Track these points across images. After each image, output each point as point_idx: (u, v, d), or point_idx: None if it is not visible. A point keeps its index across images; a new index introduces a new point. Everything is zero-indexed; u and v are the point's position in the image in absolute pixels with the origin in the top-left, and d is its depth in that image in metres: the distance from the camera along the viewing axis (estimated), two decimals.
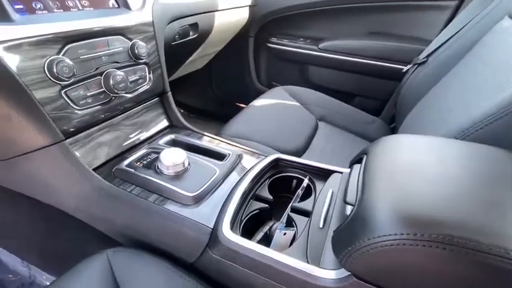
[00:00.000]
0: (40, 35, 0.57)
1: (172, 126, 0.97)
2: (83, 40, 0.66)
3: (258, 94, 1.36)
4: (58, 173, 0.66)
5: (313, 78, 1.68)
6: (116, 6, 0.76)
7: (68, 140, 0.68)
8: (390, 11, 1.42)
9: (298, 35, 1.65)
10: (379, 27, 1.49)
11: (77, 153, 0.70)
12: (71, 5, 0.66)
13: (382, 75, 1.45)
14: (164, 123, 0.96)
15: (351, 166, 0.60)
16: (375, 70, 1.46)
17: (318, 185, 0.70)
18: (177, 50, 1.16)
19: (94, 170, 0.72)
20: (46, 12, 0.61)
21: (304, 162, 0.74)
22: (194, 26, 1.17)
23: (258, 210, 0.65)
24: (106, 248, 0.59)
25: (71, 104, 0.66)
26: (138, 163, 0.74)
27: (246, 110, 1.21)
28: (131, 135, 0.85)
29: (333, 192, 0.64)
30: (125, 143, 0.82)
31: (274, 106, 1.24)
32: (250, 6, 1.56)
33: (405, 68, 1.18)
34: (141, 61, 0.81)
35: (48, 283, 0.94)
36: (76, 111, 0.66)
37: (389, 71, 1.40)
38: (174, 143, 0.87)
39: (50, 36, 0.59)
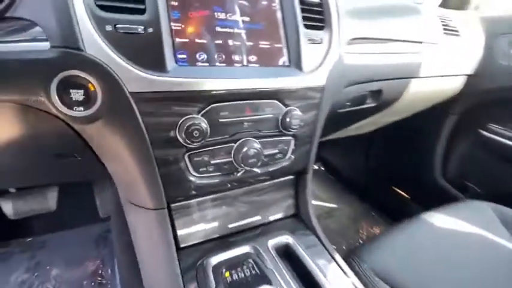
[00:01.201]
0: (186, 91, 0.48)
1: (297, 218, 0.71)
2: (231, 101, 0.53)
3: (435, 192, 0.87)
4: (145, 238, 0.56)
5: None
6: (287, 64, 0.60)
7: (172, 206, 0.56)
8: None
9: None
10: None
11: (176, 223, 0.58)
12: (237, 59, 0.55)
13: None
14: (289, 210, 0.72)
15: None
16: None
17: None
18: (341, 117, 0.91)
19: (182, 249, 0.57)
20: (207, 65, 0.52)
21: None
22: (376, 93, 0.88)
23: None
24: None
25: (190, 170, 0.54)
26: (228, 273, 0.52)
27: (411, 229, 0.77)
28: (243, 216, 0.66)
29: None
30: (233, 225, 0.64)
31: (471, 239, 0.72)
32: (468, 75, 1.08)
33: None
34: (288, 133, 0.61)
35: None
36: (192, 179, 0.54)
37: None
38: (285, 255, 0.60)
39: (197, 93, 0.49)
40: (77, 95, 0.43)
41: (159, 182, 0.51)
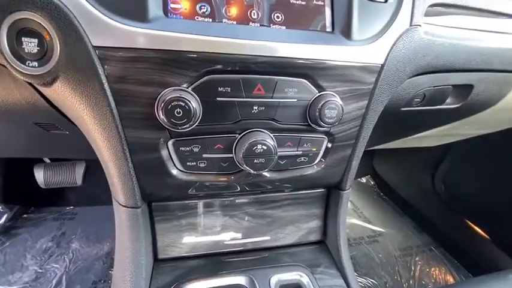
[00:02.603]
0: (171, 51, 0.34)
1: (322, 247, 0.52)
2: (235, 73, 0.37)
3: None
4: (118, 242, 0.44)
5: None
6: (329, 30, 0.42)
7: (153, 205, 0.44)
8: None
9: None
10: None
11: (157, 227, 0.45)
12: (254, 16, 0.39)
13: None
14: (312, 234, 0.53)
15: None
16: None
17: None
18: (403, 119, 0.67)
19: (161, 261, 0.44)
20: (210, 20, 0.37)
21: None
22: (463, 89, 0.62)
23: None
24: None
25: (174, 162, 0.40)
26: None
27: None
28: (247, 233, 0.50)
29: None
30: (230, 241, 0.49)
31: None
32: None
33: None
34: (320, 129, 0.43)
35: None
36: (175, 173, 0.40)
37: None
38: None
39: (187, 56, 0.35)
40: (30, 45, 0.33)
41: (131, 173, 0.39)
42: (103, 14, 0.32)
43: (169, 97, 0.34)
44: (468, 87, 0.61)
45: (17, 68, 0.33)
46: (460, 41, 0.53)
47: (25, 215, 1.22)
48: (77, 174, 1.11)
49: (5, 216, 1.16)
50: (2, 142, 0.61)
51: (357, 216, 1.43)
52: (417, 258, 1.22)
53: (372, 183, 1.66)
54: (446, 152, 1.23)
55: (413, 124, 0.78)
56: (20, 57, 0.33)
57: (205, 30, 0.35)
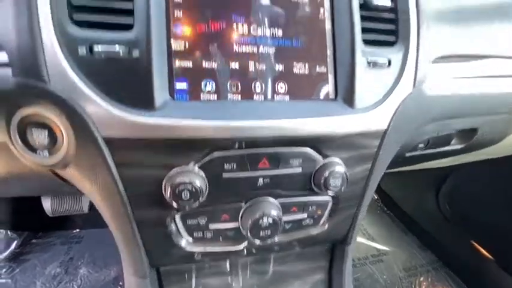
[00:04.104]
0: (178, 139, 0.34)
1: None
2: (240, 149, 0.38)
3: None
4: None
5: None
6: (332, 97, 0.42)
7: (161, 269, 0.45)
8: None
9: None
10: None
11: None
12: (258, 90, 0.39)
13: None
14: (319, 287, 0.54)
15: None
16: None
17: None
18: (407, 160, 0.67)
19: None
20: (215, 96, 0.38)
21: None
22: (468, 132, 0.62)
23: None
24: None
25: (181, 234, 0.41)
26: None
27: None
28: None
29: None
30: None
31: None
32: None
33: None
34: (325, 194, 0.43)
35: None
36: (183, 245, 0.41)
37: None
38: None
39: (194, 140, 0.35)
40: (41, 136, 0.33)
41: (140, 246, 0.40)
42: (111, 105, 0.32)
43: (176, 181, 0.35)
44: (473, 131, 0.61)
45: (28, 157, 0.34)
46: (465, 90, 0.53)
47: (34, 240, 1.24)
48: (83, 203, 1.13)
49: (14, 243, 1.18)
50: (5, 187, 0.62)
51: (361, 234, 1.43)
52: (422, 279, 1.22)
53: (376, 197, 1.66)
54: (451, 171, 1.23)
55: (416, 161, 0.78)
56: (31, 147, 0.34)
57: (211, 114, 0.35)
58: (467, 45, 0.53)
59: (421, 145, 0.59)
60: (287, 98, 0.40)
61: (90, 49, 0.32)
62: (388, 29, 0.44)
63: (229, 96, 0.38)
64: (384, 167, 0.48)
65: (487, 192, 1.14)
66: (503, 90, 0.57)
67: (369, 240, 1.40)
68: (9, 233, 1.20)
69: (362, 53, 0.40)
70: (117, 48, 0.32)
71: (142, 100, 0.33)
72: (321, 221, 0.46)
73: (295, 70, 0.41)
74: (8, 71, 0.32)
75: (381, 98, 0.42)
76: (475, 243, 1.17)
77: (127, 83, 0.33)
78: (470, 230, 1.20)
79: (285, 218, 0.42)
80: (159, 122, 0.33)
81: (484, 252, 1.15)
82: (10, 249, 1.16)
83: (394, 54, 0.43)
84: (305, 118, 0.38)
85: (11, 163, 0.38)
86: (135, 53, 0.33)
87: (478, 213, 1.18)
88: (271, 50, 0.40)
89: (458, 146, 0.64)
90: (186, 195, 0.35)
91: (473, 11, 0.58)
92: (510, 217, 1.05)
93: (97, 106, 0.32)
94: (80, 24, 0.33)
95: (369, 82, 0.41)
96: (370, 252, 1.33)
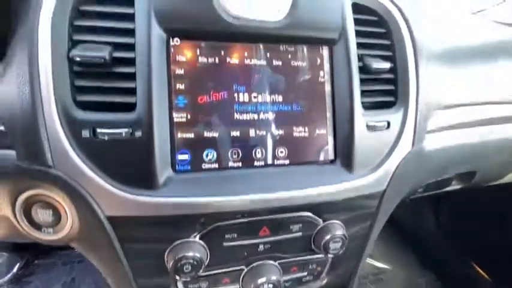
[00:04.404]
0: (180, 215, 0.35)
1: None
2: (241, 218, 0.38)
3: None
4: None
5: None
6: (331, 158, 0.43)
7: None
8: None
9: None
10: None
11: None
12: (259, 155, 0.40)
13: None
14: None
15: None
16: None
17: None
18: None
19: None
20: (216, 166, 0.38)
21: None
22: (467, 175, 0.62)
23: None
24: None
25: None
26: None
27: None
28: None
29: None
30: None
31: None
32: None
33: None
34: (326, 254, 0.44)
35: None
36: None
37: None
38: None
39: (195, 215, 0.36)
40: (45, 215, 0.34)
41: None
42: (114, 186, 0.33)
43: (178, 255, 0.35)
44: (472, 173, 0.62)
45: (33, 234, 0.35)
46: (464, 140, 0.53)
47: (36, 261, 1.25)
48: None
49: (17, 266, 1.19)
50: None
51: None
52: None
53: None
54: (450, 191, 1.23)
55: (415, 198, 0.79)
56: (36, 225, 0.34)
57: (213, 188, 0.36)
58: (468, 94, 0.53)
59: (420, 189, 0.60)
60: (287, 161, 0.41)
61: (94, 132, 0.32)
62: (387, 89, 0.44)
63: (230, 164, 0.39)
64: (384, 220, 0.49)
65: (486, 212, 1.15)
66: (502, 135, 0.57)
67: (368, 257, 1.40)
68: (11, 255, 1.20)
69: (361, 117, 0.41)
70: (120, 130, 0.33)
71: (145, 179, 0.34)
72: (321, 276, 0.47)
73: (295, 134, 0.41)
74: (12, 154, 0.33)
75: (379, 160, 0.42)
76: (473, 264, 1.18)
77: (129, 163, 0.33)
78: (469, 249, 1.20)
79: (285, 278, 0.43)
80: (162, 201, 0.34)
81: (482, 273, 1.15)
82: (12, 272, 1.17)
83: (393, 116, 0.43)
84: (304, 189, 0.38)
85: (12, 232, 0.39)
86: (138, 134, 0.33)
87: (477, 232, 1.18)
88: (272, 116, 0.40)
89: (458, 187, 0.65)
90: (187, 267, 0.36)
91: (473, 54, 0.58)
92: (508, 238, 1.06)
93: (100, 187, 0.33)
94: (83, 105, 0.33)
95: (368, 145, 0.42)
96: (370, 270, 1.34)
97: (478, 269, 1.16)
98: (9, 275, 1.15)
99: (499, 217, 1.10)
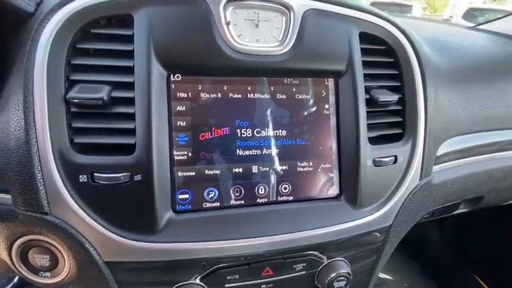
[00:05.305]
0: (180, 260, 0.34)
1: None
2: (244, 261, 0.37)
3: None
4: None
5: None
6: (336, 192, 0.41)
7: None
8: None
9: None
10: None
11: None
12: (261, 192, 0.39)
13: None
14: None
15: None
16: None
17: None
18: None
19: None
20: (218, 205, 0.37)
21: None
22: (474, 200, 0.61)
23: None
24: None
25: None
26: None
27: None
28: None
29: None
30: None
31: None
32: None
33: None
34: None
35: None
36: None
37: None
38: None
39: (195, 260, 0.35)
40: (42, 260, 0.33)
41: None
42: (112, 232, 0.32)
43: None
44: (479, 198, 0.60)
45: (30, 278, 0.34)
46: (473, 169, 0.52)
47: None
48: None
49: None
50: None
51: None
52: None
53: None
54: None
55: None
56: (34, 269, 0.33)
57: (214, 232, 0.35)
58: (477, 121, 0.52)
59: (426, 215, 0.58)
60: (291, 198, 0.40)
61: (91, 177, 0.31)
62: (395, 121, 0.43)
63: (232, 202, 0.38)
64: (390, 252, 0.47)
65: (488, 224, 1.13)
66: (509, 163, 0.56)
67: None
68: None
69: (367, 152, 0.39)
70: (118, 175, 0.31)
71: (144, 224, 0.33)
72: None
73: (299, 169, 0.40)
74: (8, 198, 0.31)
75: (386, 196, 0.41)
76: (475, 276, 1.16)
77: (128, 207, 0.32)
78: (472, 262, 1.19)
79: None
80: (163, 247, 0.33)
81: (484, 284, 1.14)
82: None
83: (401, 149, 0.42)
84: (309, 230, 0.37)
85: (10, 273, 0.38)
86: (137, 177, 0.32)
87: (480, 245, 1.17)
88: (275, 151, 0.39)
89: (465, 210, 0.64)
90: None
91: (481, 75, 0.56)
92: (509, 250, 1.04)
93: (98, 233, 0.32)
94: (80, 147, 0.32)
95: (374, 181, 0.40)
96: None
97: (480, 280, 1.15)
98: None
99: (500, 230, 1.08)
